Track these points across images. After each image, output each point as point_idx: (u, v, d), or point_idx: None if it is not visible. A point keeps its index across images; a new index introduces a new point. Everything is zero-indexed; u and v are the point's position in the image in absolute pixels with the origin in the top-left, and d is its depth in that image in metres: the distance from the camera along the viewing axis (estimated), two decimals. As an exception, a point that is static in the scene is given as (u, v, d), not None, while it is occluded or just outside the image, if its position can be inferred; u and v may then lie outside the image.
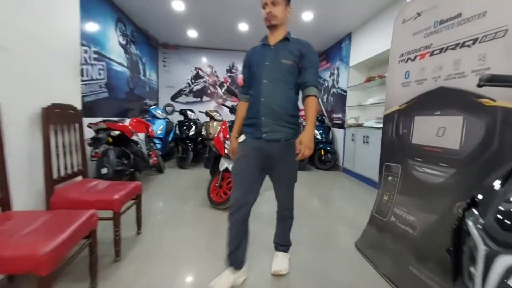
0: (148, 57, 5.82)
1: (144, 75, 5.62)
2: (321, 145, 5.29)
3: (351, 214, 2.92)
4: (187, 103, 6.60)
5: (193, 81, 6.60)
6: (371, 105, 4.54)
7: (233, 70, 6.66)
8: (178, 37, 5.92)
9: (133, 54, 4.96)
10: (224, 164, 2.88)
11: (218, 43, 6.21)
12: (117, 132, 2.97)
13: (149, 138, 4.21)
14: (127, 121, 3.75)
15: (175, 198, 3.20)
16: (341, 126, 5.32)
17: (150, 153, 4.00)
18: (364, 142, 4.37)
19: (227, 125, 3.05)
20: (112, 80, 4.10)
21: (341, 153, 5.26)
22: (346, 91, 5.18)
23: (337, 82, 5.57)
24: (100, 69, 3.71)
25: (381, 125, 3.99)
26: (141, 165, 3.27)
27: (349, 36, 5.13)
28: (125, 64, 4.60)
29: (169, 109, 6.57)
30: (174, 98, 6.61)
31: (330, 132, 5.47)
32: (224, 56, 6.63)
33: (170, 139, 5.35)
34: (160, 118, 5.25)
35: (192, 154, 4.94)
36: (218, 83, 6.69)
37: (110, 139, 3.09)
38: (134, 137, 3.43)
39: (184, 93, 6.61)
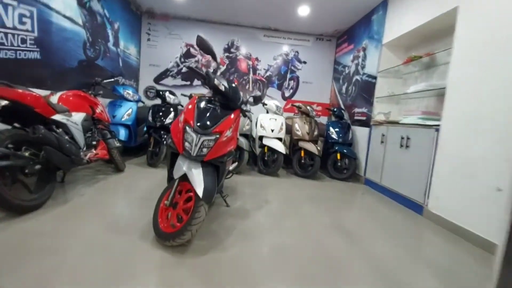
0: (124, 24, 4.64)
1: (116, 45, 4.43)
2: (337, 147, 4.02)
3: (393, 265, 1.66)
4: (174, 86, 5.40)
5: (182, 60, 5.39)
6: (414, 94, 3.24)
7: (232, 50, 5.43)
8: (167, 3, 4.73)
9: (96, 12, 3.78)
10: (181, 167, 1.66)
11: (216, 15, 4.99)
12: (3, 102, 1.77)
13: (98, 122, 3.02)
14: (57, 94, 2.56)
15: (106, 218, 1.98)
16: (365, 123, 4.03)
17: (94, 143, 2.81)
18: (401, 145, 3.08)
19: (196, 103, 1.83)
20: (51, 37, 2.92)
21: (363, 159, 3.98)
22: (375, 78, 3.89)
23: (363, 67, 4.28)
24: (23, 15, 2.52)
25: (433, 122, 2.83)
26: (61, 161, 2.07)
27: (384, 4, 3.83)
28: (79, 22, 3.41)
29: (151, 93, 5.39)
30: (158, 79, 5.42)
31: (350, 131, 4.19)
32: (223, 32, 5.40)
33: (144, 128, 4.16)
34: (130, 100, 4.06)
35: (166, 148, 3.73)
36: (210, 65, 5.46)
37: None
38: (57, 117, 2.24)
39: (170, 74, 5.41)
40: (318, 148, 3.89)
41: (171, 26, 5.35)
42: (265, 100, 4.15)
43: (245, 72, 5.39)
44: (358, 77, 4.42)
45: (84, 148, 2.58)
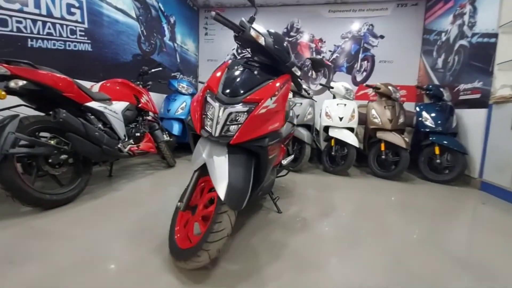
0: (181, 19, 4.56)
1: (173, 40, 4.36)
2: (434, 138, 2.95)
3: None
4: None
5: (239, 51, 5.05)
6: None
7: (291, 33, 4.81)
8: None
9: (150, 6, 3.72)
10: (201, 154, 1.16)
11: (271, -6, 4.48)
12: (21, 83, 1.59)
13: (145, 113, 2.82)
14: (98, 83, 2.42)
15: (126, 220, 1.64)
16: (479, 103, 2.85)
17: (138, 134, 2.60)
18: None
19: (228, 68, 1.30)
20: (102, 29, 2.87)
21: (477, 154, 2.80)
22: (494, 36, 2.70)
23: (471, 26, 3.08)
24: (71, 5, 2.49)
25: None
26: (89, 150, 1.84)
27: None
28: (132, 14, 3.36)
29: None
30: (215, 74, 5.20)
31: (454, 116, 3.05)
32: (281, 14, 4.84)
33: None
34: (184, 94, 3.88)
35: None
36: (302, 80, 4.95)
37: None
38: (93, 104, 2.05)
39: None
40: (406, 139, 2.92)
41: (227, 17, 5.07)
42: (332, 83, 3.39)
43: (307, 57, 4.70)
44: (464, 42, 3.21)
45: (126, 140, 2.37)
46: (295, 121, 2.23)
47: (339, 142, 3.11)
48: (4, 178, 1.48)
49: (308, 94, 3.37)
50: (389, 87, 3.16)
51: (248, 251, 1.32)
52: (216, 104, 1.12)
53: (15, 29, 2.06)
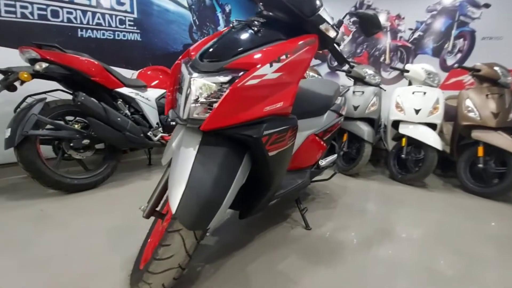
0: (237, 7, 4.38)
1: (228, 30, 4.23)
2: None
3: None
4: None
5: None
6: None
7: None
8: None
9: (204, -6, 3.64)
10: (171, 144, 0.86)
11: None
12: (44, 65, 1.59)
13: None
14: (138, 71, 2.40)
15: (131, 213, 1.49)
16: None
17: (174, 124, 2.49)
18: None
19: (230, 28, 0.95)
20: (152, 18, 2.89)
21: None
22: None
23: None
24: (121, -5, 2.54)
25: None
26: (110, 136, 1.78)
27: None
28: (184, 3, 3.32)
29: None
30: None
31: None
32: (348, -8, 4.15)
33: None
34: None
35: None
36: (342, 41, 4.31)
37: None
38: (124, 90, 2.00)
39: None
40: (521, 142, 2.01)
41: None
42: (408, 66, 2.64)
43: (379, 38, 3.89)
44: None
45: (160, 128, 2.28)
46: (343, 111, 1.72)
47: (413, 142, 2.38)
48: (24, 158, 1.50)
49: (375, 73, 2.72)
50: (495, 68, 2.24)
51: (242, 281, 0.96)
52: (186, 73, 0.79)
53: (65, 20, 2.17)
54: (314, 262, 1.10)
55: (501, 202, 2.02)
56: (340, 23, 1.07)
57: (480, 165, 2.16)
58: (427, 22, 3.57)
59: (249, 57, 0.78)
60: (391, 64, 3.71)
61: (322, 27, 0.96)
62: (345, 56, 1.22)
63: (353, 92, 2.69)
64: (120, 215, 1.44)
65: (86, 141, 1.73)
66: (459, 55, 3.43)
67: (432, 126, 2.37)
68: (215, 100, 0.75)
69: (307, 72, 3.27)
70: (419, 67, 2.53)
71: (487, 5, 3.29)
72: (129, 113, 2.00)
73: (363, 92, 2.64)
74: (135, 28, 2.71)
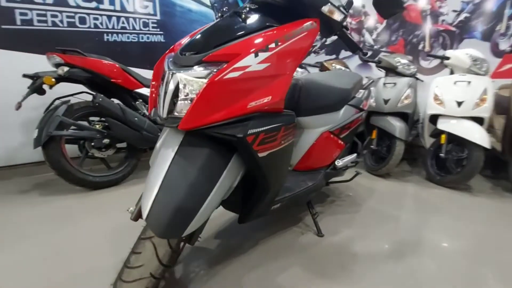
0: (262, 2, 4.30)
1: (253, 26, 4.16)
2: None
3: None
4: (318, 64, 4.49)
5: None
6: None
7: (397, -3, 3.69)
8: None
9: (227, -9, 3.62)
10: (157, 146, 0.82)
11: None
12: (66, 69, 1.68)
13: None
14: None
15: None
16: None
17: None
18: None
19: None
20: (175, 19, 2.94)
21: None
22: None
23: None
24: (144, -2, 2.62)
25: None
26: (127, 135, 1.83)
27: None
28: (207, 2, 3.33)
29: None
30: (299, 59, 4.71)
31: None
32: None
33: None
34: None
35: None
36: (366, 25, 4.01)
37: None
38: (143, 91, 2.05)
39: (313, 50, 4.54)
40: None
41: None
42: (448, 52, 2.32)
43: (417, 23, 3.51)
44: None
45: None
46: (364, 106, 1.55)
47: (455, 139, 2.08)
48: (50, 157, 1.61)
49: (409, 62, 2.46)
50: None
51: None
52: (166, 68, 0.74)
53: (92, 26, 2.30)
54: (319, 276, 0.98)
55: None
56: (349, 4, 0.94)
57: (542, 167, 1.80)
58: (474, 2, 3.11)
59: (230, 47, 0.70)
60: (431, 52, 3.32)
61: (325, 9, 0.84)
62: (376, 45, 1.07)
63: (384, 84, 2.44)
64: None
65: (106, 141, 1.81)
66: (517, 37, 2.94)
67: (479, 120, 2.05)
68: (190, 95, 0.69)
69: (333, 65, 3.08)
70: (462, 52, 2.21)
71: (554, -25, 2.75)
72: (147, 113, 2.04)
73: (395, 83, 2.39)
74: (158, 29, 2.78)
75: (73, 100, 1.81)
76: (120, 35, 2.49)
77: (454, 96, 2.12)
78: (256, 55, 0.69)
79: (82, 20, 2.24)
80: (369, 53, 3.95)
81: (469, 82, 2.10)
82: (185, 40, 0.84)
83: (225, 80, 0.66)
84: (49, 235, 1.23)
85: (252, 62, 0.69)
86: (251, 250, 1.13)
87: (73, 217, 1.42)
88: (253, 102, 0.71)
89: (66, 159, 1.67)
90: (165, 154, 0.72)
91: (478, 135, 1.95)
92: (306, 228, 1.34)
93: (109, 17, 2.40)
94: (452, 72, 2.31)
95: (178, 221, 0.65)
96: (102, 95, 1.72)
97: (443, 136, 2.15)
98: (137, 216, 0.83)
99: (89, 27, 2.29)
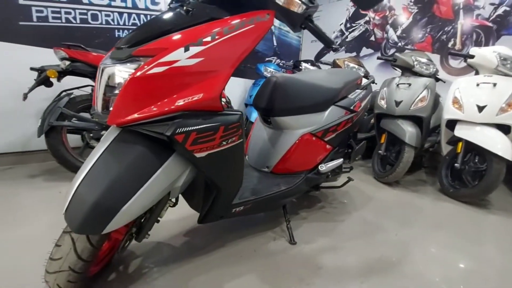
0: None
1: (270, 22, 4.08)
2: None
3: None
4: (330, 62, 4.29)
5: (348, 25, 4.13)
6: None
7: (427, -10, 3.37)
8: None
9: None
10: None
11: None
12: (68, 62, 1.76)
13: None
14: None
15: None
16: None
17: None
18: None
19: None
20: (186, 16, 2.97)
21: None
22: None
23: None
24: (156, -5, 2.68)
25: None
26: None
27: None
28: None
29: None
30: (318, 57, 4.54)
31: None
32: (412, -33, 3.50)
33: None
34: (270, 79, 3.56)
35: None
36: (391, 21, 3.73)
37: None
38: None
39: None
40: None
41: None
42: (472, 50, 2.06)
43: (448, 18, 3.17)
44: None
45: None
46: (357, 107, 1.43)
47: (474, 148, 1.85)
48: (50, 145, 1.72)
49: (429, 61, 2.25)
50: None
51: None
52: (101, 62, 0.72)
53: (104, 22, 2.40)
54: (271, 285, 0.92)
55: None
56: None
57: None
58: (517, -7, 2.73)
59: (160, 41, 0.67)
60: (462, 50, 2.99)
61: (280, 0, 0.76)
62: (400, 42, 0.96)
63: (397, 84, 2.25)
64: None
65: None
66: None
67: (504, 128, 1.79)
68: (117, 90, 0.67)
69: (346, 62, 2.91)
70: (489, 50, 1.95)
71: None
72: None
73: (409, 84, 2.18)
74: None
75: (77, 92, 1.91)
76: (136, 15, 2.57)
77: (475, 100, 1.88)
78: (187, 49, 0.65)
79: (95, 17, 2.35)
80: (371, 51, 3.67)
81: (494, 84, 1.84)
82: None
83: (147, 76, 0.63)
84: (47, 217, 1.31)
85: (181, 57, 0.65)
86: (213, 252, 1.10)
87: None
88: (182, 99, 0.67)
89: (66, 148, 1.77)
90: (96, 149, 0.72)
91: (501, 145, 1.71)
92: (281, 233, 1.27)
93: (121, 13, 2.48)
94: (477, 73, 2.05)
95: (97, 218, 0.64)
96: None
97: (460, 144, 1.92)
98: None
99: (101, 24, 2.39)
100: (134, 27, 2.59)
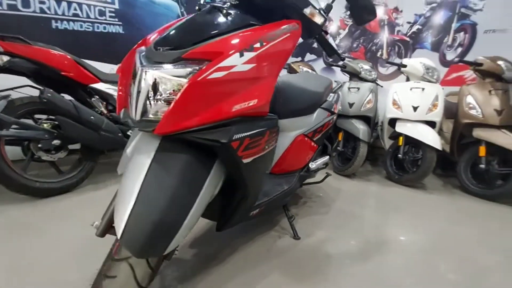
0: None
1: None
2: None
3: None
4: (286, 66, 4.54)
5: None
6: None
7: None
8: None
9: (193, -15, 3.47)
10: (127, 152, 0.72)
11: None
12: (6, 58, 1.44)
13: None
14: (119, 65, 2.24)
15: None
16: None
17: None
18: None
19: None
20: (135, 10, 2.72)
21: None
22: None
23: None
24: (100, -16, 2.38)
25: None
26: (83, 136, 1.63)
27: None
28: (172, -6, 3.15)
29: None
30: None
31: None
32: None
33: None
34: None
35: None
36: (330, 31, 4.17)
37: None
38: (99, 86, 1.86)
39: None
40: (526, 141, 1.89)
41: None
42: (405, 60, 2.50)
43: (376, 32, 3.75)
44: None
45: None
46: (335, 109, 1.59)
47: (411, 141, 2.25)
48: (-17, 162, 1.37)
49: (371, 69, 2.60)
50: (499, 62, 2.11)
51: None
52: (138, 64, 0.65)
53: (38, 10, 2.01)
54: (297, 280, 0.97)
55: (505, 205, 1.91)
56: (329, 7, 0.93)
57: (482, 166, 2.04)
58: (426, 15, 3.43)
59: (213, 44, 0.64)
60: (388, 59, 3.57)
61: (307, 11, 0.82)
62: (339, 51, 1.08)
63: (348, 88, 2.55)
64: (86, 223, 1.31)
65: (56, 142, 1.58)
66: (459, 49, 3.30)
67: (431, 124, 2.24)
68: (173, 97, 0.61)
69: (300, 67, 3.14)
70: (417, 61, 2.40)
71: (489, -3, 3.14)
72: (105, 111, 1.85)
73: (358, 88, 2.51)
74: (116, 20, 2.55)
75: (14, 94, 1.56)
76: (71, 22, 2.22)
77: (410, 101, 2.30)
78: (241, 55, 0.64)
79: (26, 3, 1.95)
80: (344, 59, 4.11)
81: (423, 89, 2.29)
82: (154, 35, 0.75)
83: (208, 81, 0.60)
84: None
85: (238, 62, 0.64)
86: (228, 258, 1.08)
87: (17, 231, 1.22)
88: (238, 105, 0.66)
89: (6, 162, 1.42)
90: (139, 162, 0.64)
91: (431, 138, 2.13)
92: (283, 231, 1.33)
93: (58, 1, 2.12)
94: (408, 79, 2.51)
95: (159, 238, 0.57)
96: (51, 90, 1.51)
97: (401, 138, 2.31)
98: (104, 231, 0.72)
99: (34, 12, 2.00)
100: (76, 18, 2.24)
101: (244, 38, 0.67)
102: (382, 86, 2.89)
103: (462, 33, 3.27)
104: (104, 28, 2.45)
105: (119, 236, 0.56)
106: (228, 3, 0.76)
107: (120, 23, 2.58)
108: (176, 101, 0.59)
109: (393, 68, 3.54)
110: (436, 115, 2.22)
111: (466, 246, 1.31)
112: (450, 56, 3.34)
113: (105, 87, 1.89)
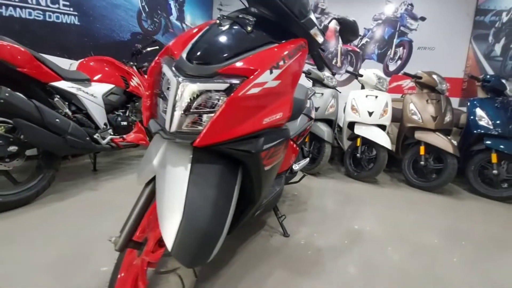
0: (191, -3, 4.11)
1: (181, 20, 3.94)
2: (489, 142, 2.34)
3: None
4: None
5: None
6: None
7: (316, 15, 4.20)
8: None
9: (154, -22, 3.29)
10: (151, 160, 0.70)
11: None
12: None
13: (137, 99, 2.42)
14: (78, 61, 2.04)
15: (80, 235, 1.25)
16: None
17: (125, 123, 2.20)
18: None
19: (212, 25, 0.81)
20: (92, 1, 2.48)
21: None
22: None
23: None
24: (52, -32, 2.11)
25: None
26: (46, 141, 1.45)
27: None
28: (132, -14, 2.95)
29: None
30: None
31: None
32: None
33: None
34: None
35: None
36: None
37: None
38: (61, 84, 1.66)
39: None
40: (453, 142, 2.33)
41: (244, -2, 4.56)
42: (361, 70, 2.81)
43: (331, 42, 4.10)
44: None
45: (107, 129, 1.97)
46: (313, 115, 1.73)
47: (367, 142, 2.56)
48: None
49: (332, 76, 2.84)
50: (434, 76, 2.55)
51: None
52: (172, 76, 0.65)
53: (-26, -10, 1.70)
54: (300, 274, 1.07)
55: (438, 194, 2.32)
56: (325, 28, 1.04)
57: (422, 162, 2.44)
58: (373, 30, 3.89)
59: (248, 60, 0.68)
60: (342, 67, 3.94)
61: (312, 31, 0.90)
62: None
63: (314, 93, 2.75)
64: (65, 238, 1.19)
65: (13, 148, 1.38)
66: (399, 62, 3.83)
67: (382, 127, 2.58)
68: (207, 110, 0.63)
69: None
70: (371, 72, 2.72)
71: (423, 18, 3.72)
72: (69, 113, 1.67)
73: (322, 94, 2.74)
74: (71, 9, 2.29)
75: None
76: (18, 9, 1.93)
77: (366, 107, 2.60)
78: (271, 72, 0.70)
79: (-42, -19, 1.63)
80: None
81: (376, 96, 2.61)
82: (178, 45, 0.74)
83: (246, 96, 0.64)
84: None
85: (269, 79, 0.69)
86: (234, 260, 1.11)
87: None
88: (267, 118, 0.71)
89: None
90: (176, 173, 0.64)
91: (384, 139, 2.46)
92: (272, 230, 1.41)
93: (1, -17, 1.82)
94: (363, 87, 2.83)
95: (206, 246, 0.60)
96: (8, 89, 1.31)
97: (358, 139, 2.61)
98: (123, 245, 0.69)
99: (-31, -8, 1.68)
100: (24, 4, 1.95)
101: (272, 56, 0.72)
102: (340, 92, 3.19)
103: (401, 48, 3.80)
104: (57, 17, 2.19)
105: (170, 248, 0.56)
106: (247, 20, 0.80)
107: (75, 13, 2.32)
108: (218, 115, 0.61)
109: (346, 75, 3.92)
110: (387, 119, 2.56)
111: (411, 228, 1.59)
112: (392, 67, 3.85)
113: (68, 86, 1.71)
